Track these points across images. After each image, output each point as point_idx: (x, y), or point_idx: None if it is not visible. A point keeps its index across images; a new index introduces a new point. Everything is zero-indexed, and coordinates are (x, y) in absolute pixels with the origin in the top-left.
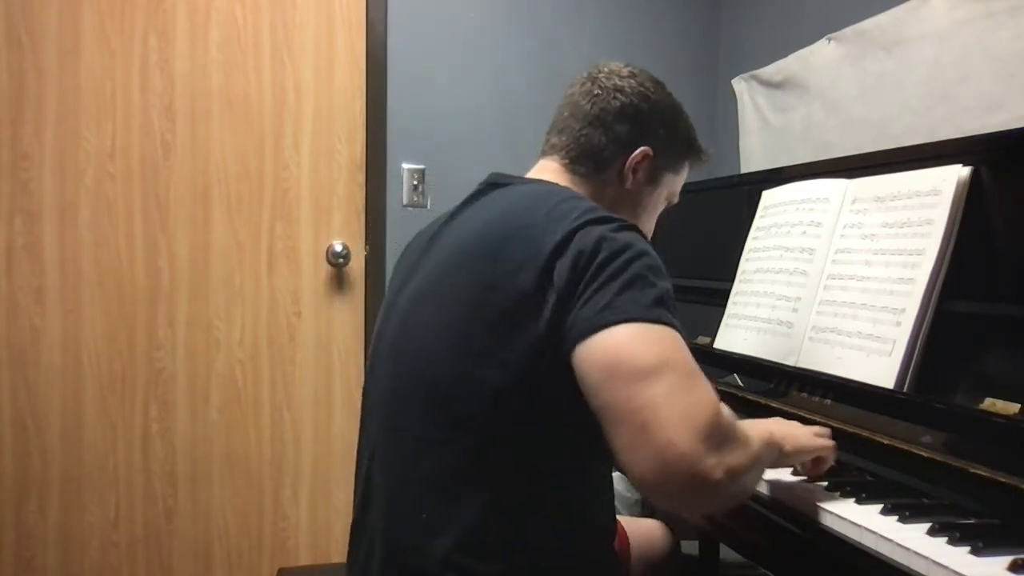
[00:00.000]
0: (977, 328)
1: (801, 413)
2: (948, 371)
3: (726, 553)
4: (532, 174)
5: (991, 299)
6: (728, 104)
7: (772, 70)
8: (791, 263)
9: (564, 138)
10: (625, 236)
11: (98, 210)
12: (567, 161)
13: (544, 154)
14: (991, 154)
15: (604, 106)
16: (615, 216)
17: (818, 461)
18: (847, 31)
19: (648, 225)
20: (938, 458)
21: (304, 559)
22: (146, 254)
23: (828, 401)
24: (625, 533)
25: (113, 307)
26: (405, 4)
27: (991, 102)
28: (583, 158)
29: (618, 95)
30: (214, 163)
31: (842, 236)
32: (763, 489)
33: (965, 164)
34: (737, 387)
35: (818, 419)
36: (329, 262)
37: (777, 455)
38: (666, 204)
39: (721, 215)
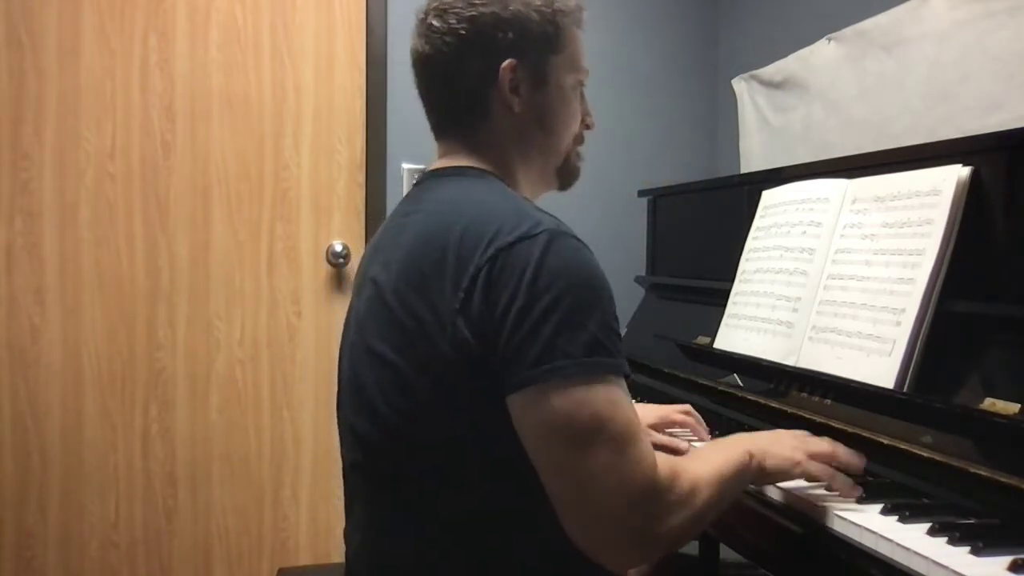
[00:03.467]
0: (977, 328)
1: (801, 413)
2: (948, 371)
3: (726, 553)
4: (437, 163)
5: (991, 299)
6: (728, 104)
7: (772, 70)
8: (791, 263)
9: (439, 115)
10: (552, 261)
11: (98, 210)
12: (454, 131)
13: (436, 137)
14: (991, 154)
15: (440, 60)
16: (536, 228)
17: (825, 473)
18: (847, 31)
19: (570, 125)
20: (938, 458)
21: (304, 559)
22: (146, 254)
23: (828, 401)
24: None
25: (113, 307)
26: (405, 4)
27: (991, 102)
28: (463, 121)
29: (445, 39)
30: (214, 163)
31: (842, 236)
32: (764, 489)
33: (965, 164)
34: (737, 387)
35: (818, 419)
36: (329, 262)
37: (756, 475)
38: (579, 84)
39: (721, 215)
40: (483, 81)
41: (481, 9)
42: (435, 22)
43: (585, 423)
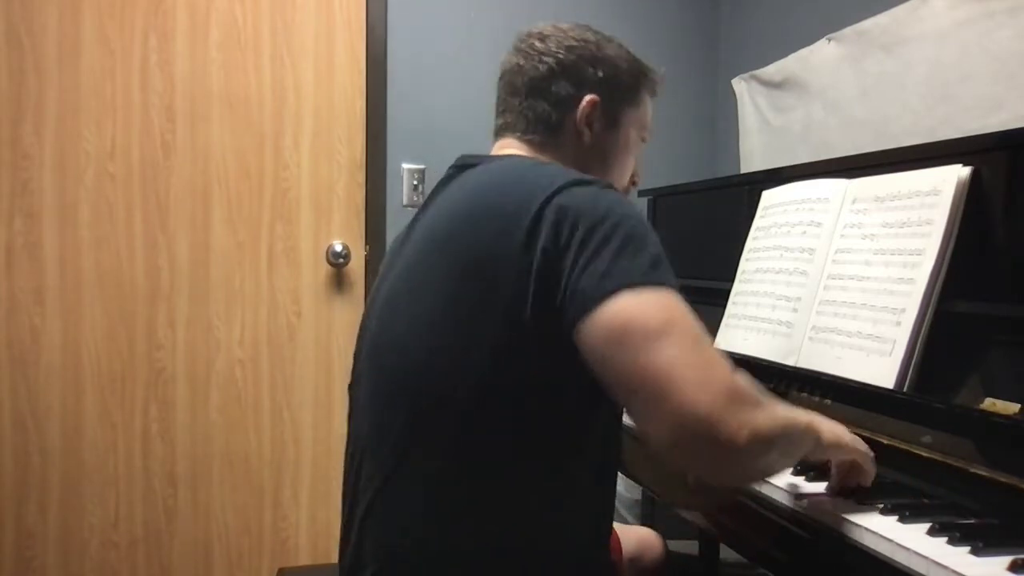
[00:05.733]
0: (977, 328)
1: None
2: (948, 371)
3: (726, 553)
4: (493, 152)
5: (991, 299)
6: (728, 104)
7: (772, 70)
8: (791, 263)
9: (510, 117)
10: (605, 199)
11: (98, 210)
12: (519, 133)
13: (496, 135)
14: (991, 154)
15: (533, 74)
16: (587, 177)
17: (853, 469)
18: (847, 31)
19: (624, 172)
20: (938, 458)
21: (304, 559)
22: (146, 254)
23: (828, 401)
24: (619, 540)
25: (113, 307)
26: (405, 4)
27: (991, 102)
28: (534, 129)
29: (544, 58)
30: (214, 163)
31: (842, 236)
32: (763, 489)
33: (965, 164)
34: None
35: None
36: (329, 262)
37: (814, 442)
38: (642, 140)
39: (721, 215)
40: (564, 105)
41: (581, 43)
42: (537, 43)
43: (659, 320)
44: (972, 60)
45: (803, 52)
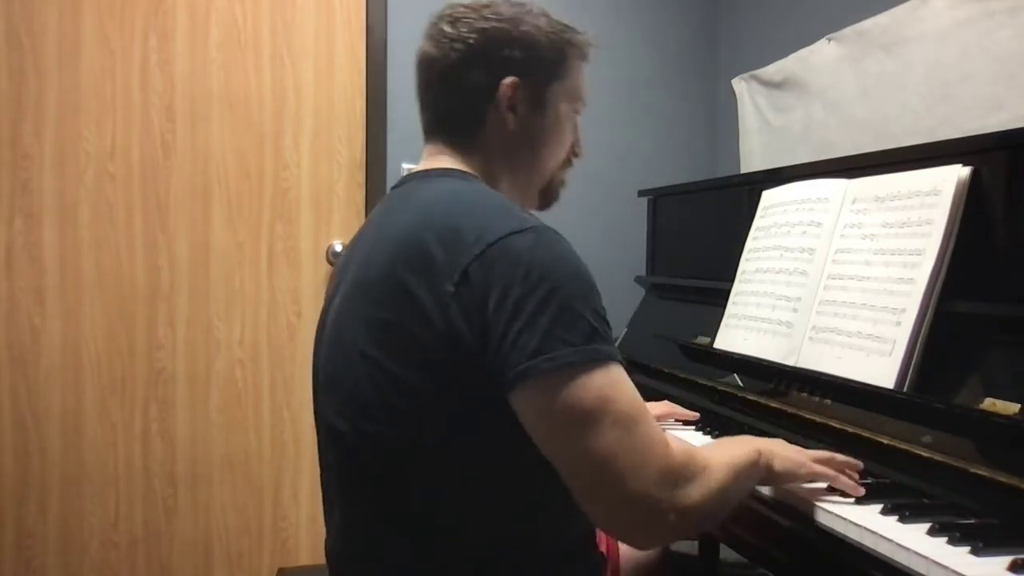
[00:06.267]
0: (977, 328)
1: (801, 413)
2: (948, 371)
3: (726, 553)
4: (423, 164)
5: (991, 299)
6: (728, 104)
7: (772, 70)
8: (791, 263)
9: (428, 115)
10: (541, 255)
11: (98, 210)
12: (444, 135)
13: (425, 138)
14: (991, 154)
15: (443, 64)
16: (525, 223)
17: (824, 478)
18: (847, 31)
19: (558, 150)
20: (938, 458)
21: (304, 559)
22: (146, 254)
23: (828, 401)
24: (615, 540)
25: (113, 307)
26: (405, 4)
27: (991, 102)
28: (456, 127)
29: (454, 45)
30: (214, 163)
31: (842, 236)
32: (764, 489)
33: (965, 164)
34: (737, 387)
35: (818, 419)
36: (329, 262)
37: (764, 474)
38: (576, 113)
39: (721, 215)
40: (483, 93)
41: (494, 23)
42: (447, 27)
43: (592, 406)
44: (972, 60)
45: (803, 52)
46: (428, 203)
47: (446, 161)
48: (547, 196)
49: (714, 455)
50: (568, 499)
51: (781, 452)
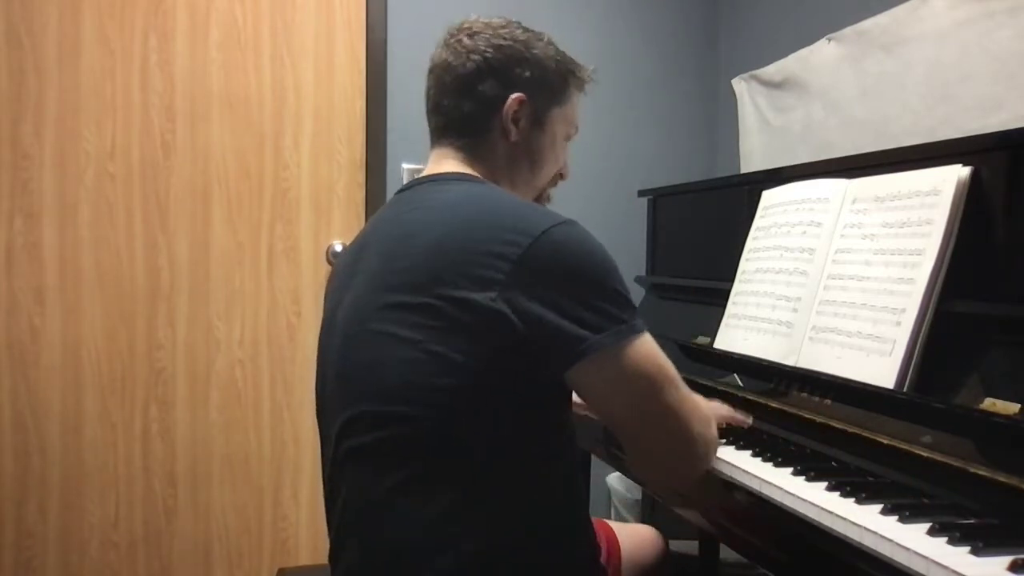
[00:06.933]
0: (977, 328)
1: (801, 413)
2: (948, 371)
3: (726, 553)
4: (431, 168)
5: (991, 299)
6: (728, 104)
7: (772, 70)
8: (791, 263)
9: (439, 118)
10: (577, 245)
11: (98, 210)
12: (452, 140)
13: (432, 142)
14: (991, 154)
15: (461, 72)
16: (556, 219)
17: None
18: (847, 31)
19: (551, 168)
20: (938, 458)
21: (304, 559)
22: (146, 254)
23: (828, 401)
24: (616, 539)
25: (113, 307)
26: (405, 4)
27: (991, 102)
28: (463, 132)
29: (471, 56)
30: (214, 163)
31: (842, 236)
32: (763, 489)
33: (965, 164)
34: (737, 387)
35: (818, 419)
36: (329, 262)
37: None
38: (567, 139)
39: (721, 215)
40: (491, 104)
41: (510, 43)
42: (465, 39)
43: (654, 371)
44: (972, 60)
45: (803, 52)
46: (457, 202)
47: (453, 166)
48: None
49: (701, 402)
50: (570, 489)
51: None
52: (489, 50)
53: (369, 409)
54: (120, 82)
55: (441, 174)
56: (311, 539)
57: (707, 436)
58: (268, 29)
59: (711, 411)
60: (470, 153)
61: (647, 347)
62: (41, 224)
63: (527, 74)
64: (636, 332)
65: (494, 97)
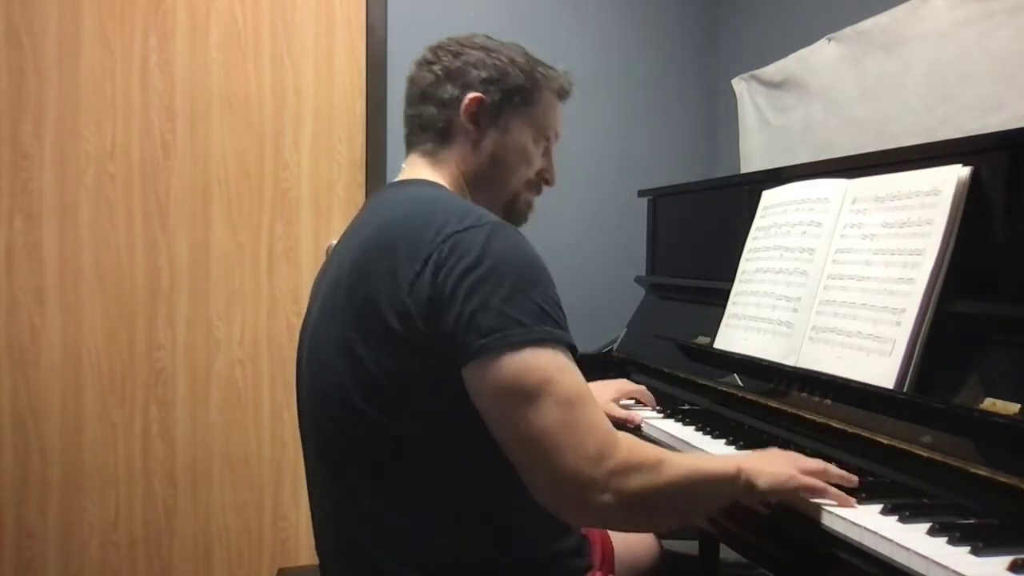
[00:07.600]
0: (977, 328)
1: (801, 413)
2: (948, 371)
3: (726, 553)
4: (401, 175)
5: (991, 299)
6: (728, 104)
7: (772, 70)
8: (791, 263)
9: (407, 128)
10: (495, 244)
11: (98, 210)
12: (420, 146)
13: (405, 152)
14: (991, 154)
15: (422, 83)
16: (482, 219)
17: (812, 491)
18: (847, 31)
19: (522, 174)
20: (938, 458)
21: (304, 559)
22: (146, 254)
23: (828, 401)
24: (610, 541)
25: (113, 307)
26: (405, 4)
27: (991, 102)
28: (428, 137)
29: (432, 67)
30: (214, 163)
31: (842, 236)
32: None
33: (965, 164)
34: (737, 387)
35: (818, 419)
36: None
37: (746, 491)
38: (544, 142)
39: (721, 215)
40: (450, 105)
41: (470, 50)
42: (428, 55)
43: (536, 383)
44: (972, 60)
45: (803, 52)
46: (395, 206)
47: (417, 171)
48: (512, 215)
49: (678, 458)
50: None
51: (768, 469)
52: (448, 57)
53: (319, 414)
54: (120, 82)
55: (403, 180)
56: (311, 539)
57: (591, 476)
58: (268, 29)
59: (657, 453)
60: (434, 157)
61: (542, 360)
62: (41, 224)
63: (484, 75)
64: (534, 342)
65: (451, 99)
